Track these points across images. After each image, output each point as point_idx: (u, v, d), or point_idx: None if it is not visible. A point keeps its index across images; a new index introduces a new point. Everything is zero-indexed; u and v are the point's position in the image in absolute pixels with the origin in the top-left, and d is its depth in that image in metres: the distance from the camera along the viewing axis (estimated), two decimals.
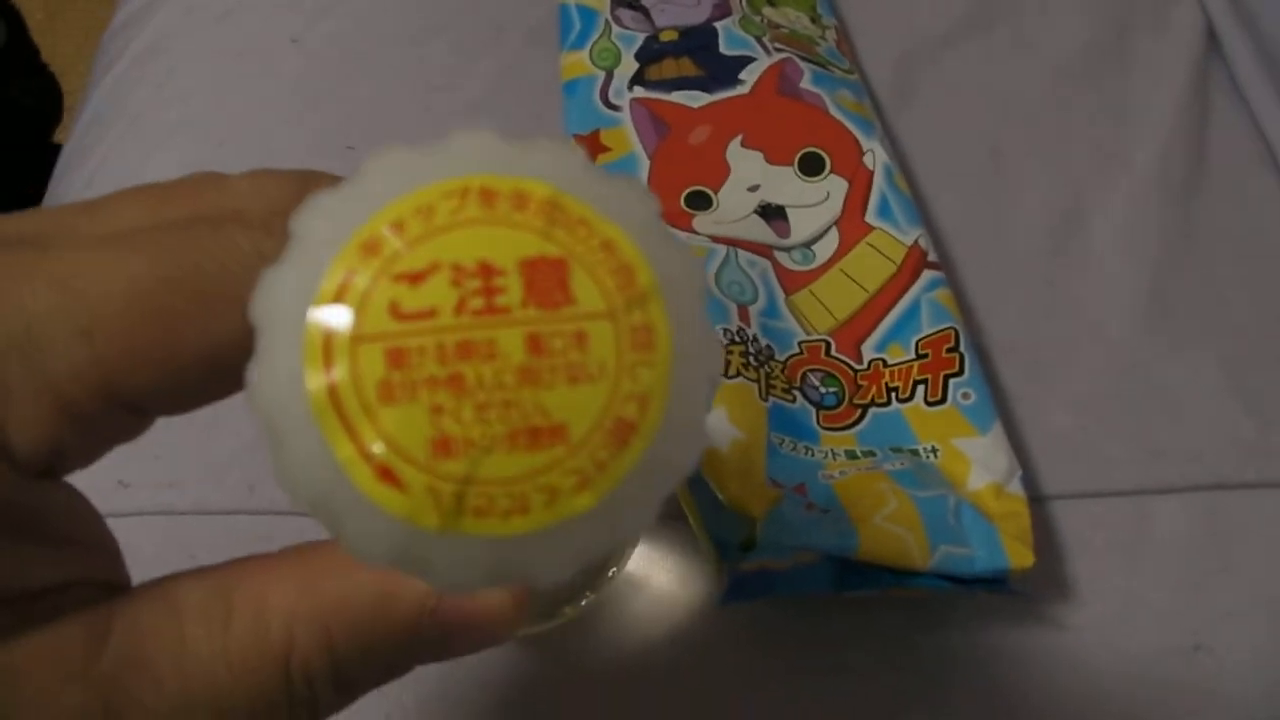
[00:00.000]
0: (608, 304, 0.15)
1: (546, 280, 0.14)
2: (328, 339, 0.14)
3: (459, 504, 0.14)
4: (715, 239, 0.41)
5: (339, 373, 0.14)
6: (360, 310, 0.14)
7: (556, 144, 0.15)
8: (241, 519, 0.41)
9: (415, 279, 0.14)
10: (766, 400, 0.37)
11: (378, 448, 0.14)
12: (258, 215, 0.17)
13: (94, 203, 0.18)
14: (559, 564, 0.14)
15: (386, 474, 0.14)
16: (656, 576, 0.39)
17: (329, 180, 0.19)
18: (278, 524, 0.41)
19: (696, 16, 0.48)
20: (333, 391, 0.14)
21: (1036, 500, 0.40)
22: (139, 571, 0.18)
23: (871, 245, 0.41)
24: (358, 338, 0.14)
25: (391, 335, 0.14)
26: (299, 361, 0.14)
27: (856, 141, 0.44)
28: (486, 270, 0.14)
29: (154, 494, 0.42)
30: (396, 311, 0.14)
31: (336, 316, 0.14)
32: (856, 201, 0.42)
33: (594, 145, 0.43)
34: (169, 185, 0.18)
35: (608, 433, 0.14)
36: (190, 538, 0.40)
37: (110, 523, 0.18)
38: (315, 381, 0.14)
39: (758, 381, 0.37)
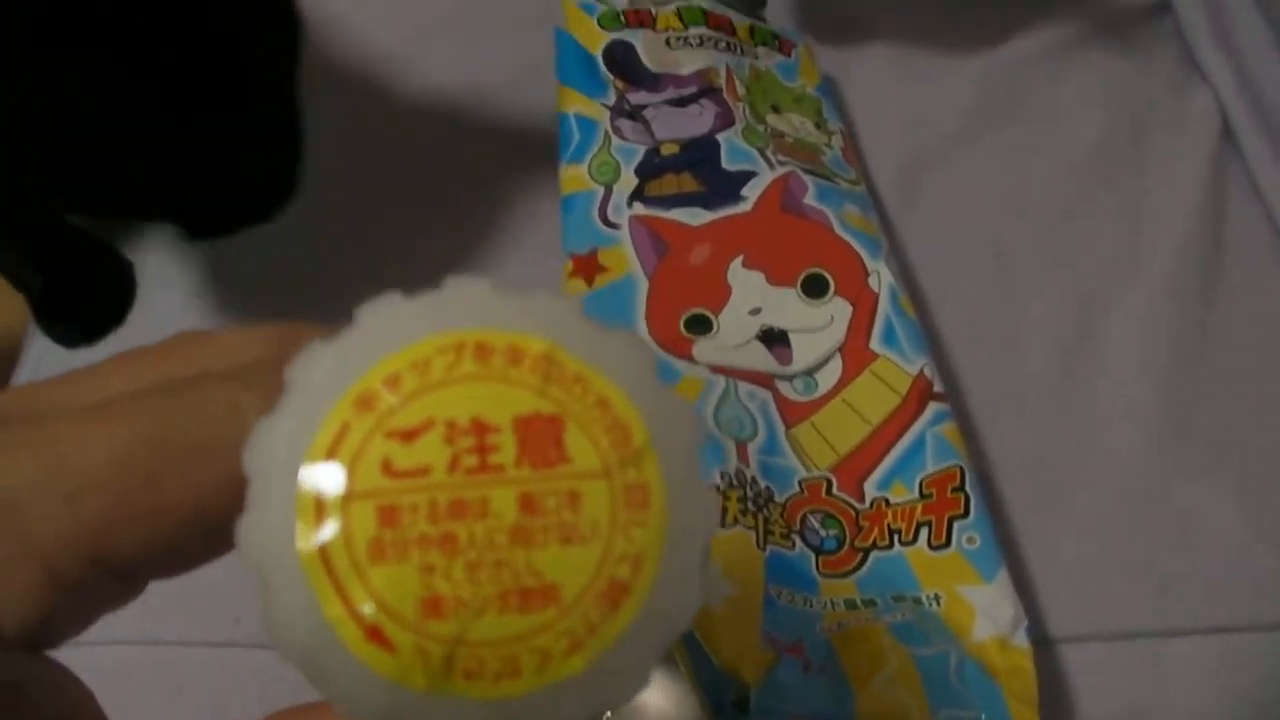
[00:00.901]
0: (602, 462, 0.15)
1: (541, 438, 0.15)
2: (320, 495, 0.14)
3: (448, 666, 0.14)
4: (715, 369, 0.40)
5: (330, 530, 0.14)
6: (353, 466, 0.14)
7: (552, 296, 0.16)
8: (227, 651, 0.40)
9: (409, 436, 0.14)
10: (764, 549, 0.36)
11: (367, 608, 0.14)
12: (237, 369, 0.18)
13: (78, 373, 0.19)
14: None
15: (375, 634, 0.14)
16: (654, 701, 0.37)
17: (312, 332, 0.19)
18: (264, 658, 0.40)
19: (699, 127, 0.47)
20: (323, 549, 0.14)
21: (1043, 643, 0.39)
22: (124, 703, 0.19)
23: (875, 374, 0.41)
24: (350, 495, 0.14)
25: (384, 492, 0.14)
26: (290, 516, 0.14)
27: (862, 262, 0.43)
28: (480, 428, 0.15)
29: (138, 624, 0.41)
30: (389, 469, 0.14)
31: (329, 472, 0.14)
32: (861, 326, 0.42)
33: (591, 265, 0.43)
34: (152, 348, 0.19)
35: (600, 594, 0.14)
36: (176, 669, 0.40)
37: (94, 651, 0.19)
38: (306, 538, 0.14)
39: (755, 529, 0.36)
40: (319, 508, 0.14)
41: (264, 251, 0.51)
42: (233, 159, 0.42)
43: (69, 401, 0.18)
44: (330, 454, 0.14)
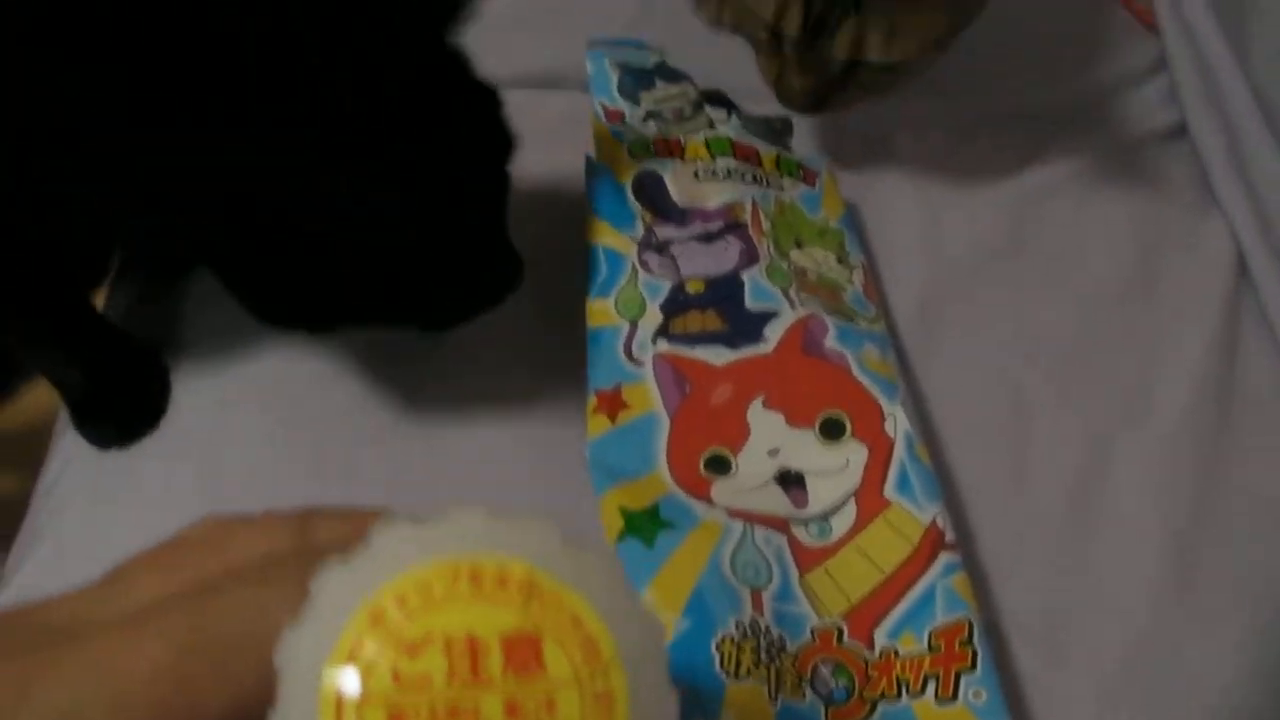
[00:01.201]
0: (575, 673, 0.18)
1: (523, 652, 0.18)
2: (340, 697, 0.17)
3: None
4: (732, 512, 0.42)
5: None
6: (367, 674, 0.17)
7: (537, 521, 0.19)
8: None
9: (414, 649, 0.18)
10: (776, 702, 0.37)
11: None
12: (260, 566, 0.21)
13: (113, 580, 0.21)
14: None
15: None
16: None
17: (327, 517, 0.23)
18: None
19: (724, 264, 0.49)
20: None
21: None
22: None
23: (889, 522, 0.42)
24: (365, 699, 0.17)
25: (392, 698, 0.17)
26: (314, 715, 0.17)
27: (879, 406, 0.45)
28: (473, 643, 0.18)
29: None
30: (397, 677, 0.17)
31: (347, 679, 0.17)
32: (876, 472, 0.43)
33: (615, 402, 0.44)
34: (178, 546, 0.22)
35: None
36: None
37: None
38: None
39: (768, 680, 0.38)
40: (338, 710, 0.17)
41: (286, 366, 0.52)
42: (472, 250, 0.46)
43: (110, 612, 0.20)
44: (348, 660, 0.18)
